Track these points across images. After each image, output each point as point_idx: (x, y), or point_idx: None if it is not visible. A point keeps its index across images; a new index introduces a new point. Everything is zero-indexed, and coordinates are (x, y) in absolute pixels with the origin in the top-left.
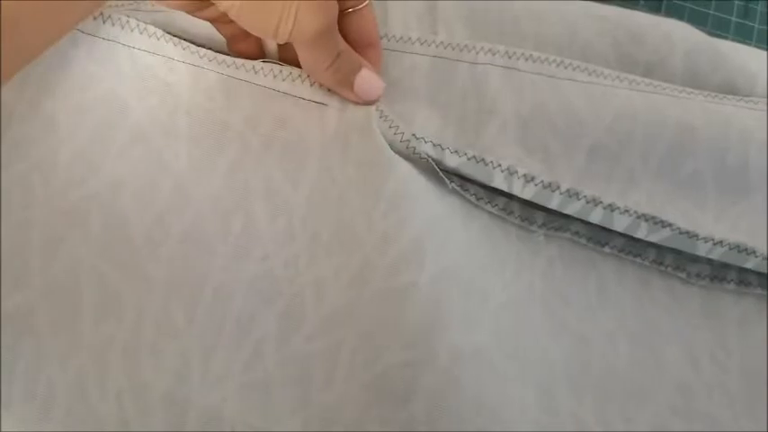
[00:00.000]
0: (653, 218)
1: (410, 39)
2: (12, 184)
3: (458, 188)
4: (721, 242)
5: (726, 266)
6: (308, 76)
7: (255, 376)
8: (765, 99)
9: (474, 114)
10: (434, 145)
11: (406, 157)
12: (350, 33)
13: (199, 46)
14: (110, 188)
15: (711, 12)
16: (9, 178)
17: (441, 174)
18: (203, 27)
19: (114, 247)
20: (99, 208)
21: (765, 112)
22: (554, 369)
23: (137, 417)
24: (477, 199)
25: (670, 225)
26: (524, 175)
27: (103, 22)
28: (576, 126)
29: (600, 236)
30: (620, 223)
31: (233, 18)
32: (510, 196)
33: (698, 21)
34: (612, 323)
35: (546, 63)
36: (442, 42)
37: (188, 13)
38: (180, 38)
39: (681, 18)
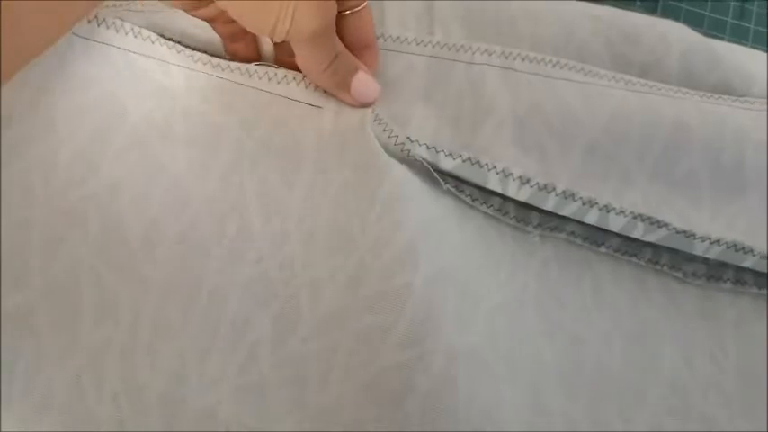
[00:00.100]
0: (649, 218)
1: (407, 39)
2: (12, 183)
3: (453, 189)
4: (718, 241)
5: (722, 266)
6: (304, 78)
7: (251, 378)
8: (761, 99)
9: (470, 114)
10: (429, 148)
11: (401, 160)
12: (347, 35)
13: (194, 50)
14: (108, 190)
15: (707, 13)
16: (9, 177)
17: (435, 175)
18: (199, 30)
19: (112, 248)
20: (97, 209)
21: (760, 112)
22: (547, 370)
23: (133, 417)
24: (473, 200)
25: (666, 225)
26: (519, 177)
27: (98, 26)
28: (572, 126)
29: (596, 236)
30: (615, 224)
31: (231, 15)
32: (505, 197)
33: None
34: (608, 323)
35: (542, 63)
36: (438, 43)
37: (186, 11)
38: (174, 41)
39: (677, 19)
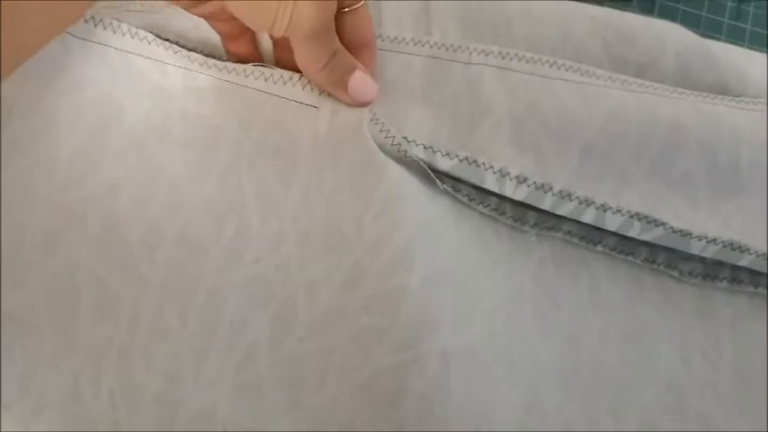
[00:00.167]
0: (646, 217)
1: (404, 39)
2: (12, 180)
3: (449, 189)
4: (715, 240)
5: (718, 265)
6: (300, 78)
7: (248, 378)
8: (756, 99)
9: (467, 114)
10: (426, 147)
11: (398, 160)
12: (345, 33)
13: (190, 50)
14: (107, 191)
15: (704, 13)
16: (9, 175)
17: (432, 175)
18: (196, 31)
19: (111, 249)
20: (96, 210)
21: (756, 112)
22: (543, 370)
23: (130, 417)
24: (470, 200)
25: (663, 224)
26: (516, 177)
27: (95, 26)
28: (569, 126)
29: (592, 235)
30: (612, 223)
31: (230, 11)
32: (502, 197)
33: (690, 22)
34: (604, 323)
35: (539, 63)
36: (435, 43)
37: (185, 9)
38: (171, 42)
39: (673, 19)
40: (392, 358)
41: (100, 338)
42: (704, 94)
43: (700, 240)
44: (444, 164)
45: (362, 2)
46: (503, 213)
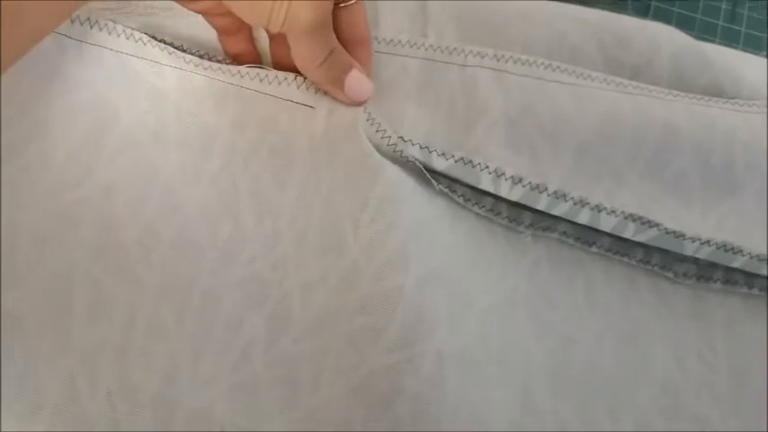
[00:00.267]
0: (640, 218)
1: (400, 41)
2: (7, 181)
3: (445, 190)
4: (708, 241)
5: (712, 266)
6: (296, 78)
7: (244, 378)
8: (751, 101)
9: (463, 115)
10: (422, 147)
11: (394, 160)
12: (341, 30)
13: (186, 51)
14: (102, 193)
15: (699, 16)
16: (4, 175)
17: (428, 176)
18: (191, 32)
19: (106, 250)
20: (92, 212)
21: (750, 114)
22: (537, 370)
23: (127, 417)
24: (465, 200)
25: (657, 225)
26: (512, 177)
27: (90, 27)
28: (564, 127)
29: (587, 236)
30: (607, 223)
31: (227, 6)
32: (498, 197)
33: (685, 25)
34: (599, 323)
35: (534, 66)
36: (431, 45)
37: (181, 4)
38: (167, 43)
39: (668, 22)
40: (387, 358)
41: (94, 338)
42: (699, 97)
43: (693, 242)
44: (440, 164)
45: None
46: (498, 214)
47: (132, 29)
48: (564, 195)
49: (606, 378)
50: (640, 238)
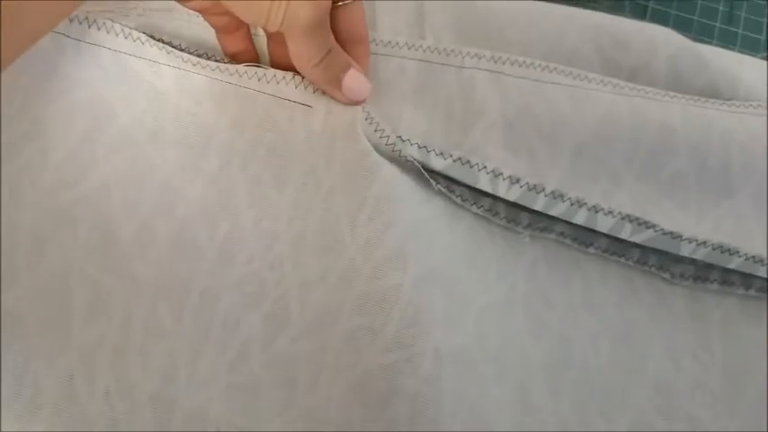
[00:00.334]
0: (637, 219)
1: (398, 43)
2: (4, 180)
3: (443, 189)
4: (704, 243)
5: (709, 267)
6: (294, 78)
7: (241, 377)
8: (747, 102)
9: (461, 116)
10: (420, 147)
11: (392, 160)
12: (339, 29)
13: (184, 51)
14: (99, 192)
15: (696, 17)
16: (2, 174)
17: (426, 175)
18: (189, 31)
19: (103, 249)
20: (89, 211)
21: (746, 115)
22: (534, 369)
23: (125, 416)
24: (463, 200)
25: (653, 226)
26: (509, 177)
27: (89, 27)
28: (561, 128)
29: (585, 236)
30: (604, 224)
31: (225, 5)
32: (495, 197)
33: (682, 26)
34: (596, 323)
35: (531, 67)
36: (429, 47)
37: (180, 3)
38: (165, 42)
39: (665, 24)
40: (385, 358)
41: (91, 337)
42: (695, 98)
43: (690, 243)
44: (438, 163)
45: None
46: (496, 214)
47: (130, 28)
48: (561, 196)
49: (602, 378)
50: (637, 238)
